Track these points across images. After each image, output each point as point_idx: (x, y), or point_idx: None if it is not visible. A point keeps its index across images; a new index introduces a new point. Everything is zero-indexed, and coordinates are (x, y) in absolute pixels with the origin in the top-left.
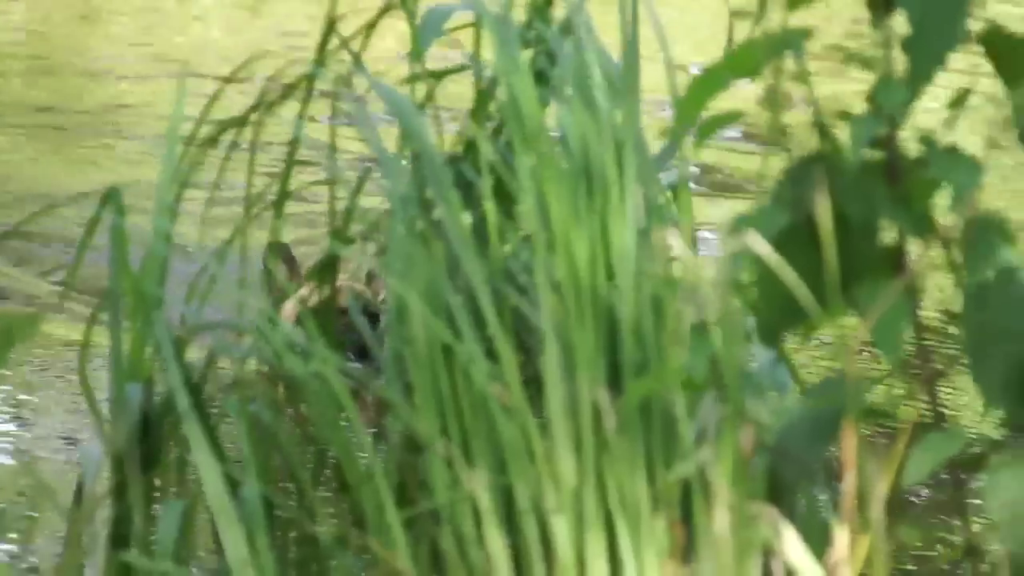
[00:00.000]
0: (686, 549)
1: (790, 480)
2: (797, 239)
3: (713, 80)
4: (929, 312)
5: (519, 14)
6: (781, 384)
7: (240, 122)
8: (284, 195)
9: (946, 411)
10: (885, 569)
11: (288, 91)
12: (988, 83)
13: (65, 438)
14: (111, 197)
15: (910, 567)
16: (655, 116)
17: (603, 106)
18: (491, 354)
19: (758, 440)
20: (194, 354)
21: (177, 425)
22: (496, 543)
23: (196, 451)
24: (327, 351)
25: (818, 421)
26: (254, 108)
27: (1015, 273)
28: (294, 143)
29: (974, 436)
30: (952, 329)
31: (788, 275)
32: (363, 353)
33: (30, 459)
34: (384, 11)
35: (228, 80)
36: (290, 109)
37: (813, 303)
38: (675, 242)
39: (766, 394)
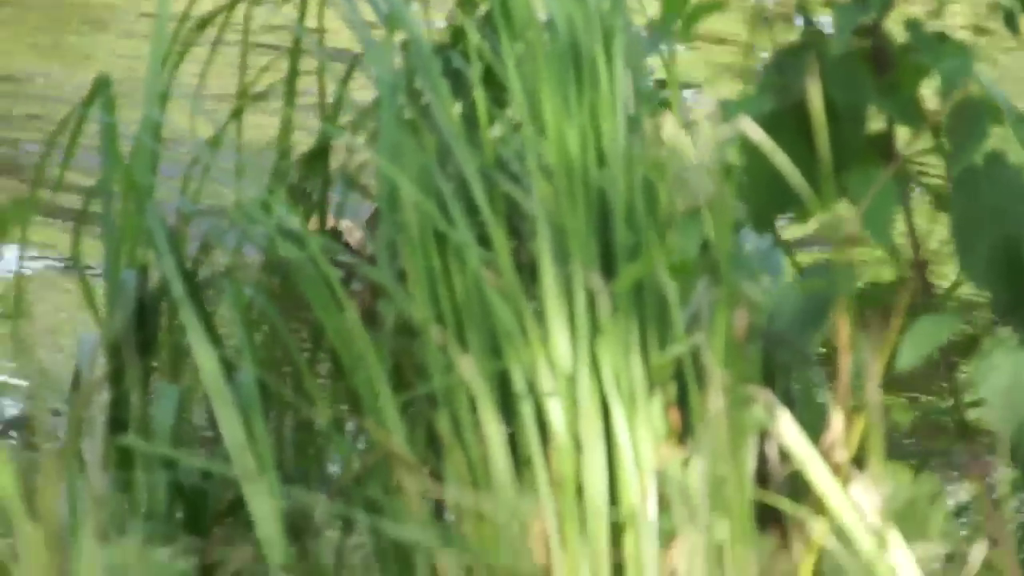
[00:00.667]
0: (682, 432)
1: (784, 363)
2: (783, 126)
3: None
4: (919, 198)
5: None
6: (775, 268)
7: (230, 6)
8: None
9: (938, 296)
10: (880, 450)
11: None
12: None
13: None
14: (100, 87)
15: (904, 448)
16: (644, 1)
17: None
18: (483, 240)
19: (752, 323)
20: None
21: (173, 312)
22: (492, 427)
23: (192, 337)
24: (320, 236)
25: (811, 304)
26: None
27: (1002, 155)
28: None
29: (966, 321)
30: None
31: (779, 159)
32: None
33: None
34: None
35: None
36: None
37: (804, 188)
38: (667, 127)
39: (759, 277)
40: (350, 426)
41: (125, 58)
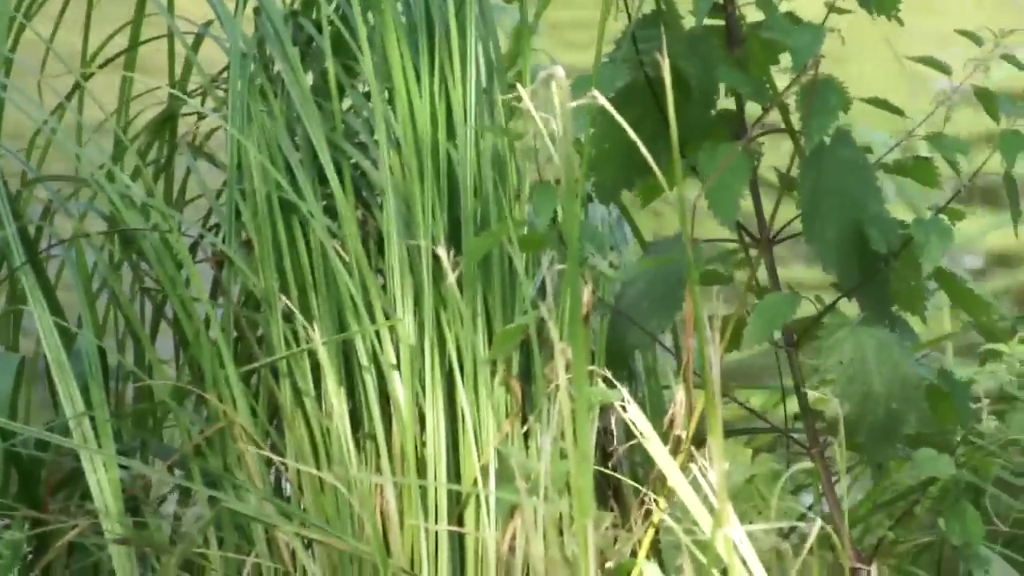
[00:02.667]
0: (525, 407)
1: (630, 339)
2: (635, 100)
3: None
4: (770, 177)
5: None
6: (621, 241)
7: None
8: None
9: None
10: (720, 429)
11: None
12: None
13: None
14: None
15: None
16: None
17: None
18: (331, 210)
19: (598, 298)
20: (32, 208)
21: (14, 280)
22: (335, 399)
23: (32, 304)
24: (165, 206)
25: (660, 281)
26: None
27: (849, 135)
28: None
29: (811, 298)
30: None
31: (630, 133)
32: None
33: None
34: None
35: None
36: None
37: (653, 161)
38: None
39: (607, 251)
40: (191, 397)
41: None
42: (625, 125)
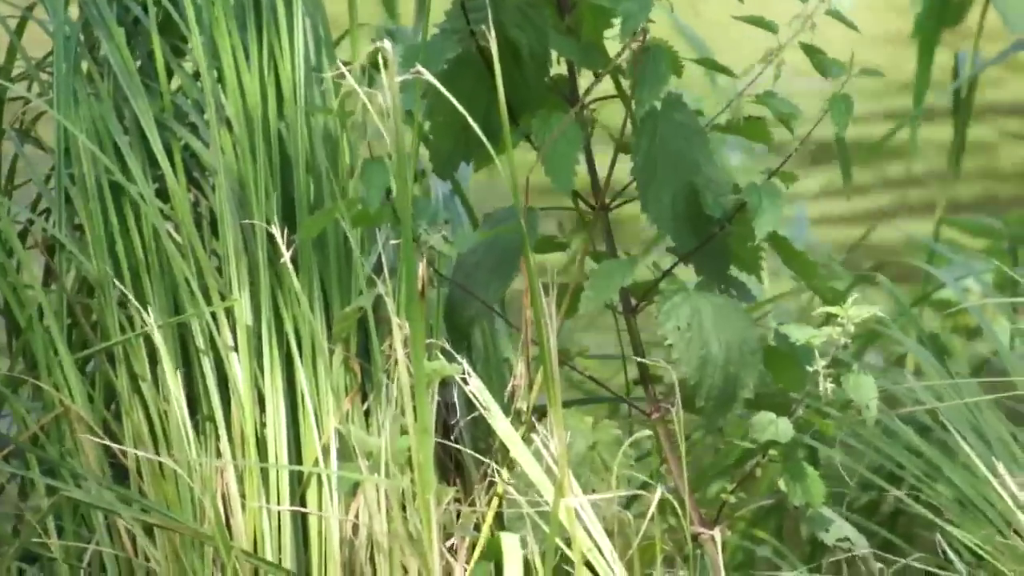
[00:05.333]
0: (365, 385)
1: (467, 311)
2: (468, 70)
3: None
4: (603, 145)
5: None
6: (456, 215)
7: None
8: None
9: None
10: (559, 399)
11: None
12: None
13: None
14: None
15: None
16: None
17: None
18: (163, 192)
19: (435, 271)
20: None
21: None
22: (172, 383)
23: None
24: None
25: (493, 252)
26: None
27: (681, 99)
28: None
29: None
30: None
31: (460, 106)
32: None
33: None
34: None
35: None
36: None
37: (485, 133)
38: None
39: (441, 225)
40: (26, 385)
41: None
42: (453, 99)
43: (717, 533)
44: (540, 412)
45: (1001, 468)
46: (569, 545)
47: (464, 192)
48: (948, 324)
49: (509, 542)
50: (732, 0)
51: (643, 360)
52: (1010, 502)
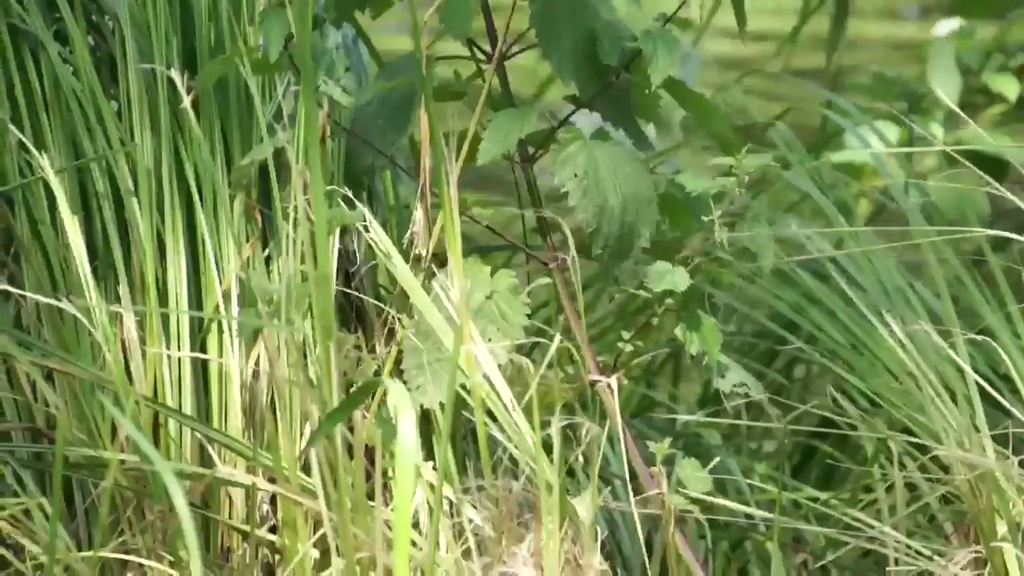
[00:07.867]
0: (266, 231)
1: (366, 159)
2: None
3: None
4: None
5: None
6: (358, 64)
7: None
8: None
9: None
10: (458, 246)
11: None
12: None
13: None
14: None
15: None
16: None
17: None
18: (62, 36)
19: (334, 121)
20: None
21: None
22: (72, 227)
23: None
24: None
25: (391, 100)
26: None
27: None
28: None
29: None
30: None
31: None
32: None
33: None
34: None
35: None
36: None
37: None
38: None
39: (340, 73)
40: None
41: None
42: None
43: (614, 381)
44: (440, 261)
45: (888, 317)
46: (469, 392)
47: (368, 37)
48: (851, 187)
49: (395, 388)
50: None
51: (540, 211)
52: (899, 351)
